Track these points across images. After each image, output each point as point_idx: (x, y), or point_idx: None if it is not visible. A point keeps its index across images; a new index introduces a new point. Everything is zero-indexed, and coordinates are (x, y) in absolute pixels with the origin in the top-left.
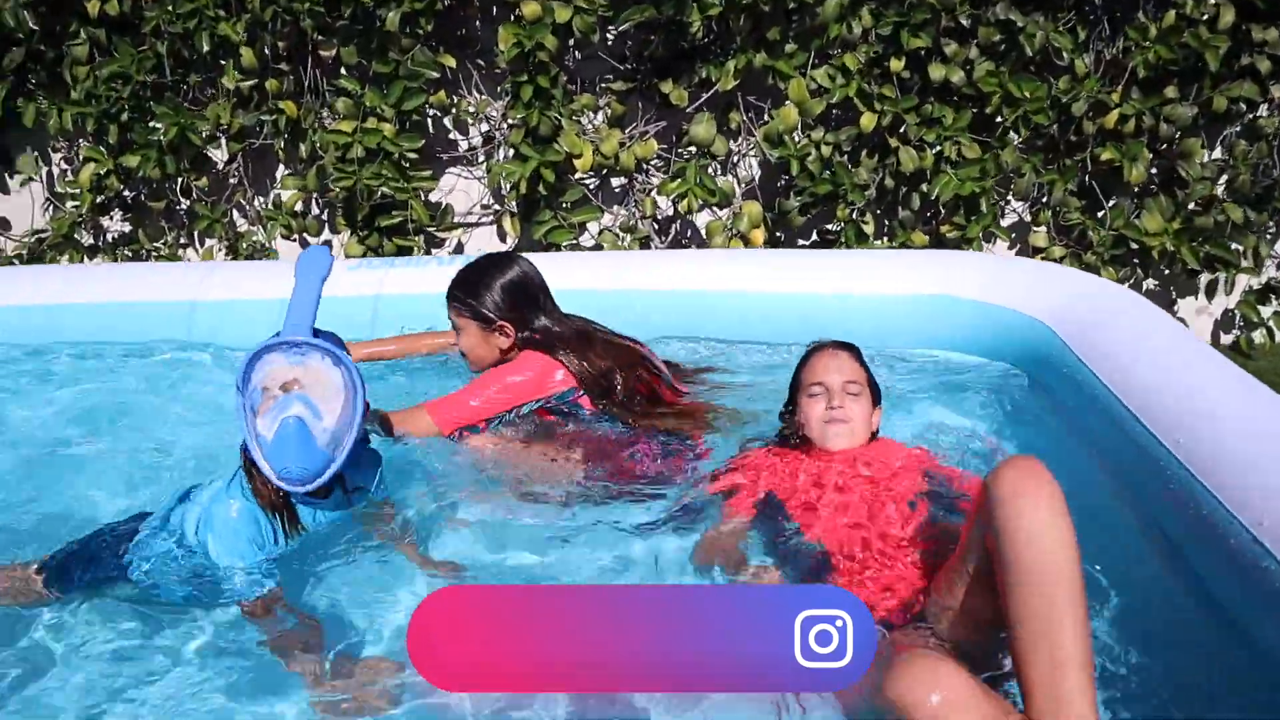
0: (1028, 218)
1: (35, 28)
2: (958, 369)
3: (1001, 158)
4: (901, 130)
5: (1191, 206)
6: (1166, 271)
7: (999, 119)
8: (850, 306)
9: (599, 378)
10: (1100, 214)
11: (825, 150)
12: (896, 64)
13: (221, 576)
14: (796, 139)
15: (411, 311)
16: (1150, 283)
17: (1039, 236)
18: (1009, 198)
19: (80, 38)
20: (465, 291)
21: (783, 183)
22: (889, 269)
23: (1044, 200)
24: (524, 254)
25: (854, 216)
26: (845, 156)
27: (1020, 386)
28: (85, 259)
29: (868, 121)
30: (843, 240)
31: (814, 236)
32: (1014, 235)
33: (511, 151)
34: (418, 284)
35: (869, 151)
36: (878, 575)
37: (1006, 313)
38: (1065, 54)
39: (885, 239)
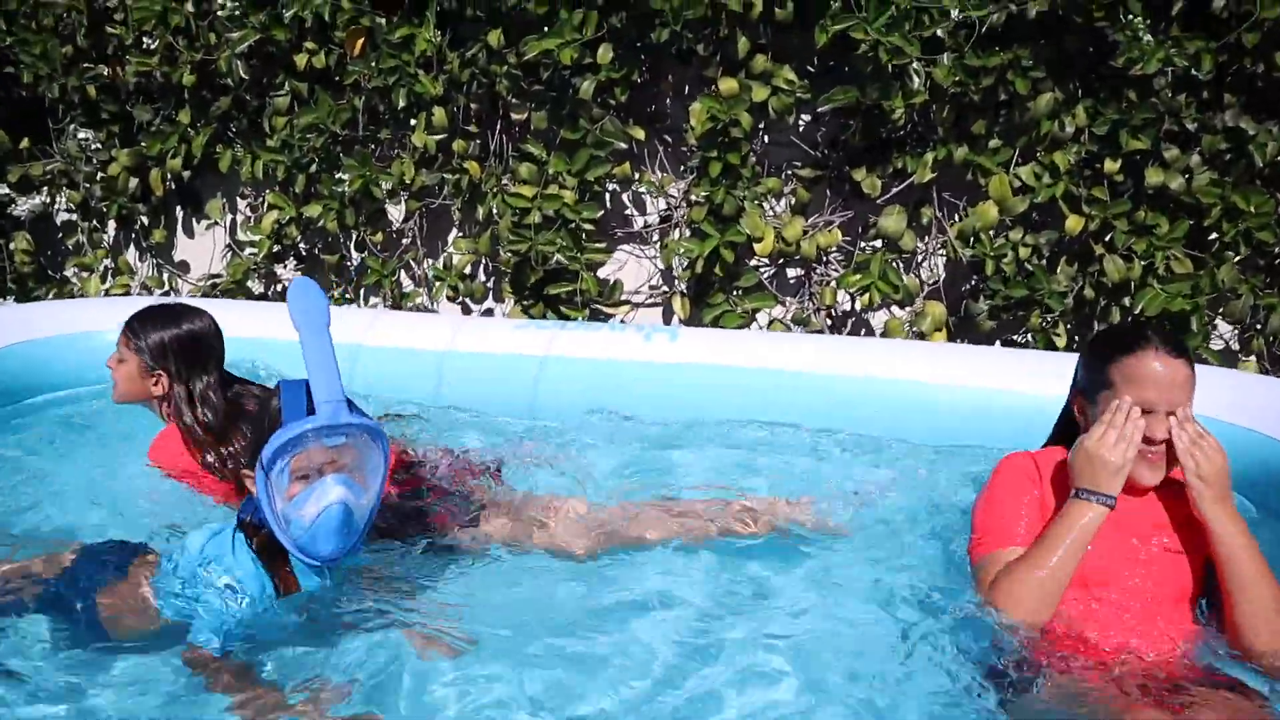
0: (1236, 345)
1: (245, 77)
2: None
3: (1217, 275)
4: (1109, 238)
5: None
6: None
7: (1216, 233)
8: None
9: (223, 459)
10: None
11: (1023, 253)
12: (1111, 165)
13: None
14: (992, 238)
15: (575, 374)
16: None
17: (1249, 365)
18: (1219, 320)
19: (284, 89)
20: (142, 326)
21: (969, 285)
22: None
23: (1258, 326)
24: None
25: (1046, 326)
26: (1044, 261)
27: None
28: None
29: (1074, 224)
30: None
31: (998, 345)
32: (1221, 362)
33: (689, 230)
34: (585, 348)
35: (1069, 258)
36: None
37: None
38: None
39: (1076, 353)
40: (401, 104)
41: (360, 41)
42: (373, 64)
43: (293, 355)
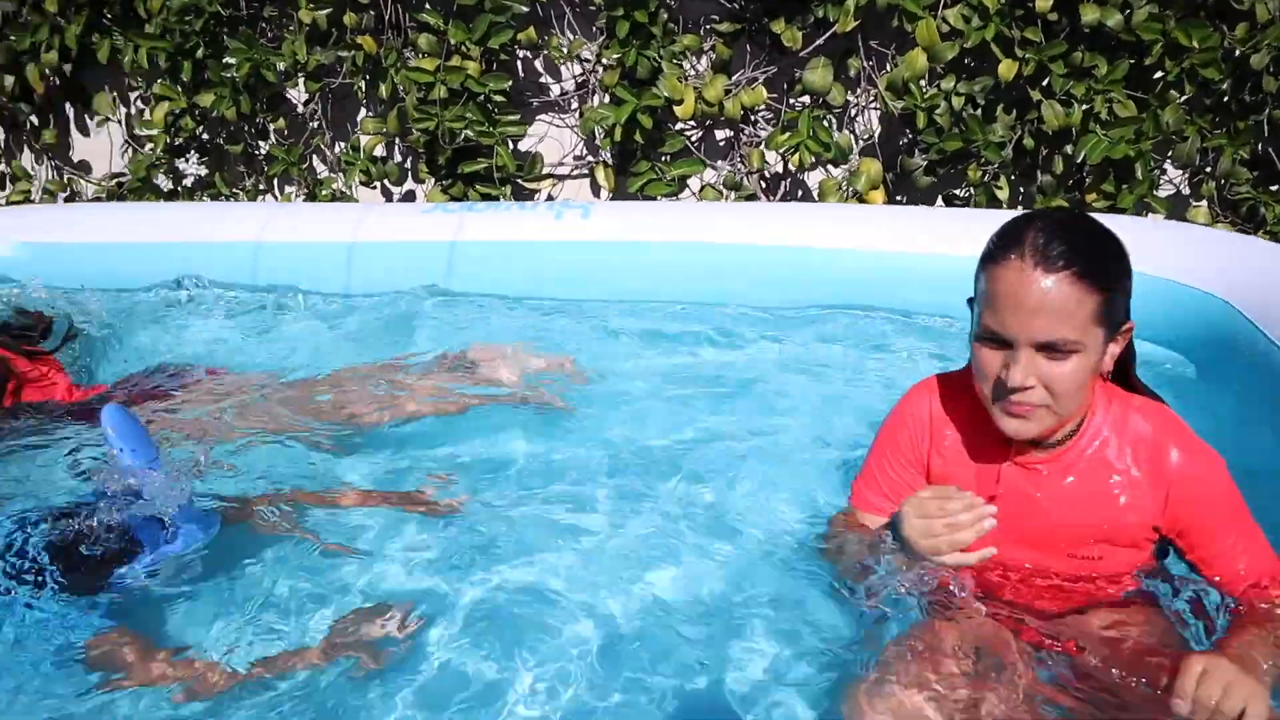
0: (1186, 189)
1: None
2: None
3: (1161, 117)
4: (1045, 82)
5: None
6: None
7: (1160, 72)
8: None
9: None
10: (1276, 187)
11: (956, 102)
12: (1043, 4)
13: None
14: (924, 88)
15: (490, 256)
16: None
17: (1199, 211)
18: (1166, 165)
19: None
20: None
21: (906, 139)
22: None
23: (1208, 170)
24: None
25: (986, 179)
26: (979, 110)
27: (1187, 373)
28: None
29: (1007, 70)
30: (973, 206)
31: (939, 201)
32: (1171, 209)
33: (607, 96)
34: (497, 231)
35: (1006, 105)
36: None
37: (1177, 288)
38: None
39: (1020, 207)
40: None
41: None
42: None
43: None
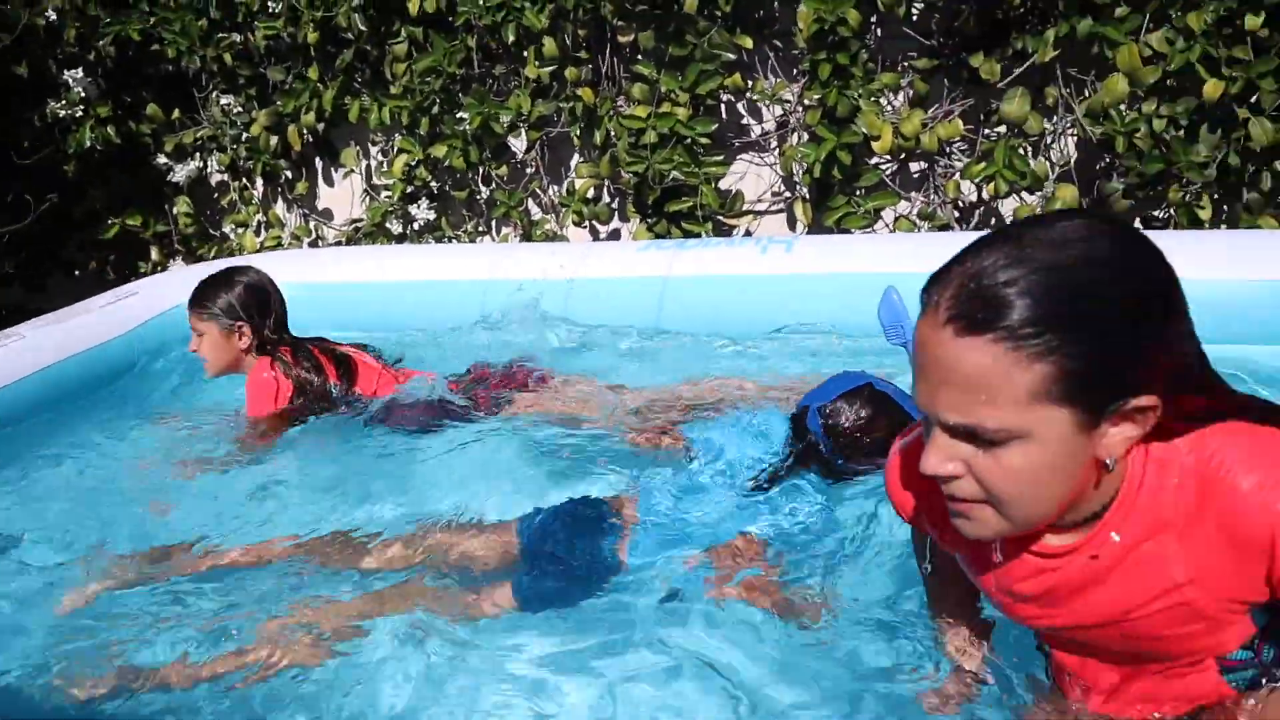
0: None
1: (363, 29)
2: None
3: None
4: (1254, 99)
5: None
6: None
7: None
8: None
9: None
10: None
11: (1158, 125)
12: (1253, 20)
13: None
14: (1123, 113)
15: (697, 295)
16: None
17: None
18: None
19: (401, 36)
20: (205, 296)
21: (1104, 163)
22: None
23: None
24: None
25: (1188, 200)
26: (1181, 131)
27: None
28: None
29: (1212, 90)
30: (1173, 228)
31: (1137, 224)
32: None
33: (806, 135)
34: (706, 266)
35: (1211, 125)
36: None
37: None
38: None
39: (1225, 226)
40: (511, 38)
41: None
42: (480, 2)
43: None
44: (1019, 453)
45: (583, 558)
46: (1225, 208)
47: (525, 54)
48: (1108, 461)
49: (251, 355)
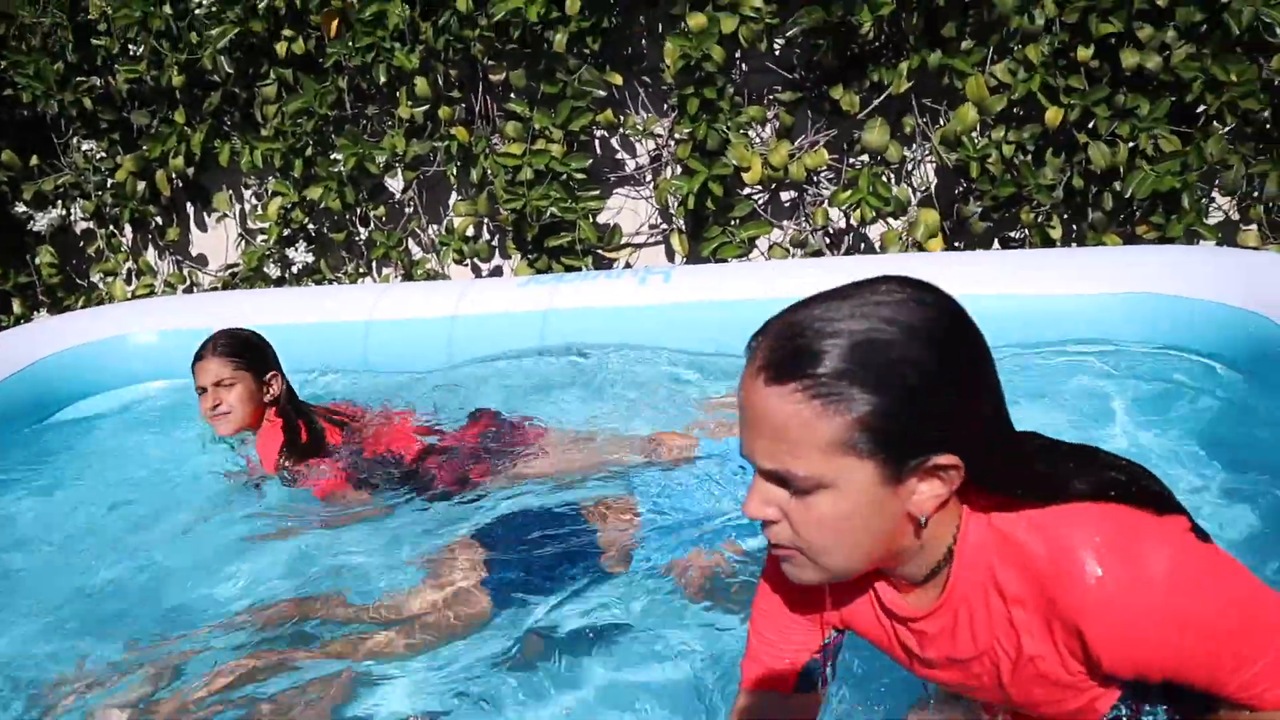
0: (1236, 215)
1: (230, 71)
2: (1166, 370)
3: (1205, 149)
4: (1091, 125)
5: None
6: None
7: (1201, 107)
8: (1053, 309)
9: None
10: None
11: (1007, 150)
12: (1084, 53)
13: None
14: (975, 140)
15: (579, 326)
16: None
17: (1250, 235)
18: (1214, 194)
19: (270, 78)
20: (234, 347)
21: (961, 188)
22: (1080, 268)
23: (1255, 195)
24: None
25: (1039, 220)
26: (1029, 156)
27: (1235, 384)
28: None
29: (1053, 116)
30: (1028, 247)
31: (995, 245)
32: (1221, 234)
33: (679, 168)
34: (586, 298)
35: (1055, 149)
36: None
37: (1220, 308)
38: (1279, 29)
39: (1074, 244)
40: (383, 79)
41: (335, 23)
42: (350, 43)
43: (306, 338)
44: (826, 501)
45: (548, 548)
46: (1075, 227)
47: (398, 94)
48: (920, 519)
49: (268, 410)
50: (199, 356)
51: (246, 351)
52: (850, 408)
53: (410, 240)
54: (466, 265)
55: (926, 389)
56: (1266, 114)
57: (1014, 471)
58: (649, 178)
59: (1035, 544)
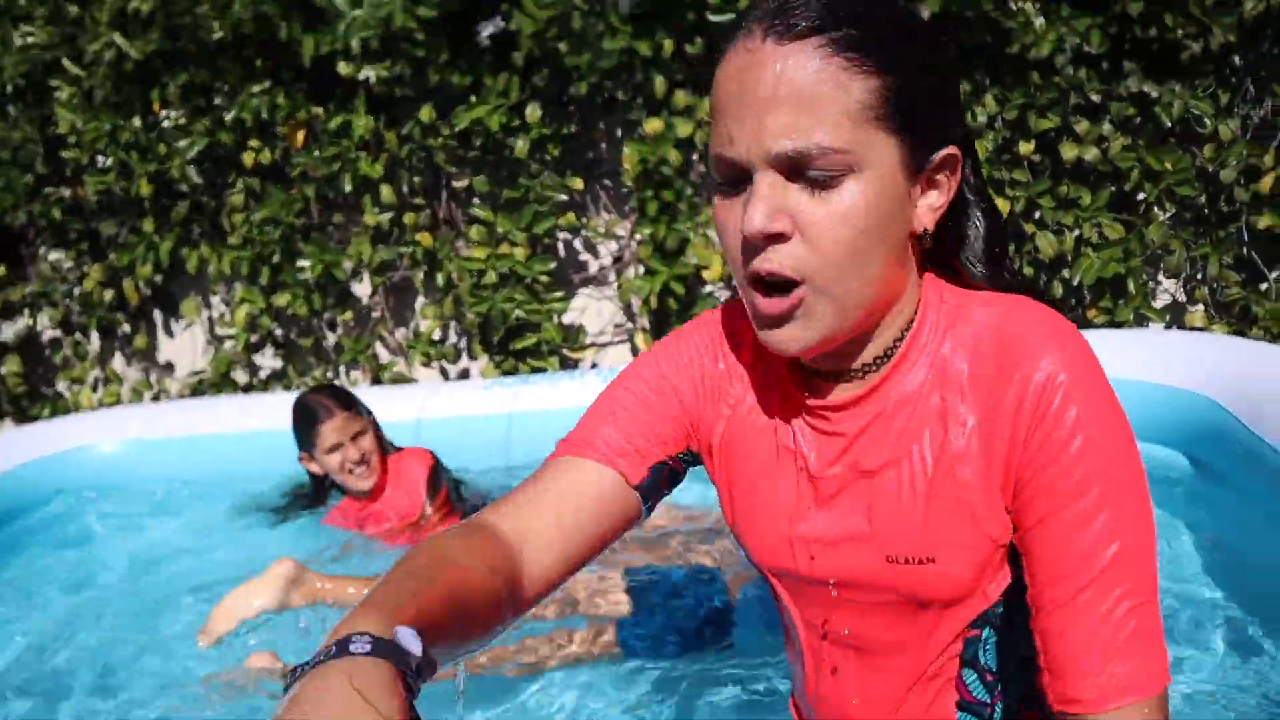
0: (1182, 297)
1: (199, 181)
2: None
3: (1147, 235)
4: (1037, 215)
5: None
6: None
7: (1140, 195)
8: None
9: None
10: (1264, 286)
11: None
12: (1026, 147)
13: None
14: None
15: (545, 426)
16: None
17: (1196, 316)
18: (1159, 277)
19: (238, 187)
20: (351, 400)
21: None
22: None
23: (1199, 276)
24: None
25: None
26: None
27: (1184, 468)
28: None
29: (1001, 208)
30: None
31: None
32: (1168, 316)
33: (642, 268)
34: (550, 400)
35: None
36: None
37: (1166, 390)
38: (1208, 121)
39: None
40: (348, 188)
41: (301, 134)
42: (316, 153)
43: (272, 445)
44: (851, 190)
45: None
46: None
47: (363, 202)
48: (921, 231)
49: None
50: (322, 418)
51: (355, 400)
52: (877, 70)
53: (378, 344)
54: (434, 368)
55: (939, 66)
56: (1202, 200)
57: (988, 219)
58: (612, 278)
59: (992, 318)
